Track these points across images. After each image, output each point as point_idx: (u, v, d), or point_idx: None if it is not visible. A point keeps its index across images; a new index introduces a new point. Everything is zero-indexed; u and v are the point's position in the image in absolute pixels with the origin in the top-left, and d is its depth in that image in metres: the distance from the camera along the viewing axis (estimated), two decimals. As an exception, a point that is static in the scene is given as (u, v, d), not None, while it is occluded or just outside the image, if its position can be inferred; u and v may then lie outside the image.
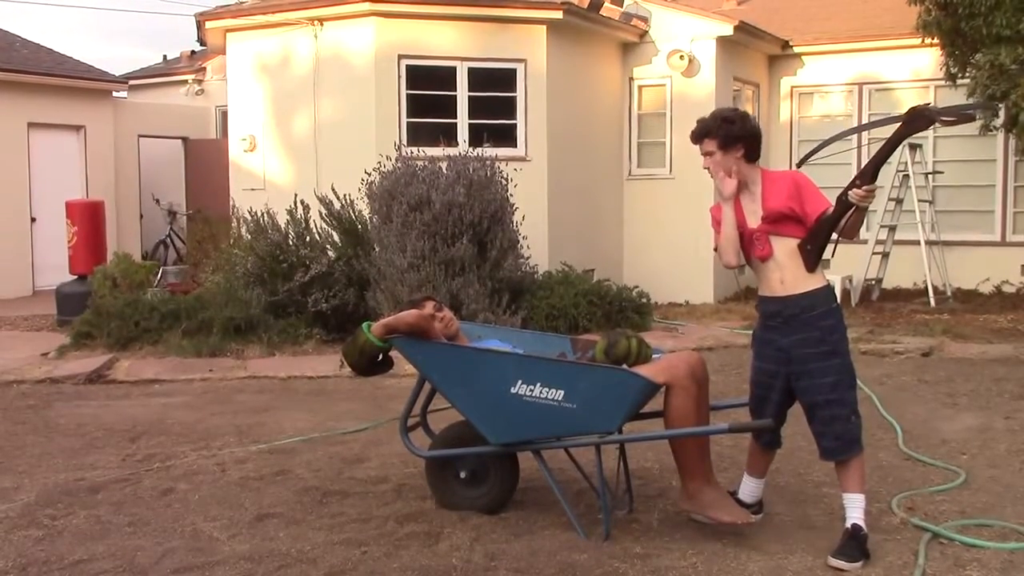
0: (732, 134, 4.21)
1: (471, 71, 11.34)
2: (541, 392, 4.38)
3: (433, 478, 4.84)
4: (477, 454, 4.68)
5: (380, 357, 4.78)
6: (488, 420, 4.56)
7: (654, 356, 4.62)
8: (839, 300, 4.49)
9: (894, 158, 12.46)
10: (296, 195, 10.01)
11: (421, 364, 4.73)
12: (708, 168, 4.32)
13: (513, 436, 4.54)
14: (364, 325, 4.72)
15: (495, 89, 11.47)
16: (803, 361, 4.15)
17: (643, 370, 4.35)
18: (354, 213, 9.98)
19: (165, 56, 22.13)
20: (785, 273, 4.18)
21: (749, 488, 4.55)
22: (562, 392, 4.34)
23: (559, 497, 4.51)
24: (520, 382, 4.41)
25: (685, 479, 4.37)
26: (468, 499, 4.72)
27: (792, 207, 4.12)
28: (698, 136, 4.32)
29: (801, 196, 4.12)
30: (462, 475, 4.71)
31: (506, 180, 9.65)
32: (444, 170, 9.42)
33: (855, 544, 4.03)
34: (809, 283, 4.16)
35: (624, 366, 4.43)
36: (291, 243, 9.79)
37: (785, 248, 4.16)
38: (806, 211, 4.12)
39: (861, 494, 4.15)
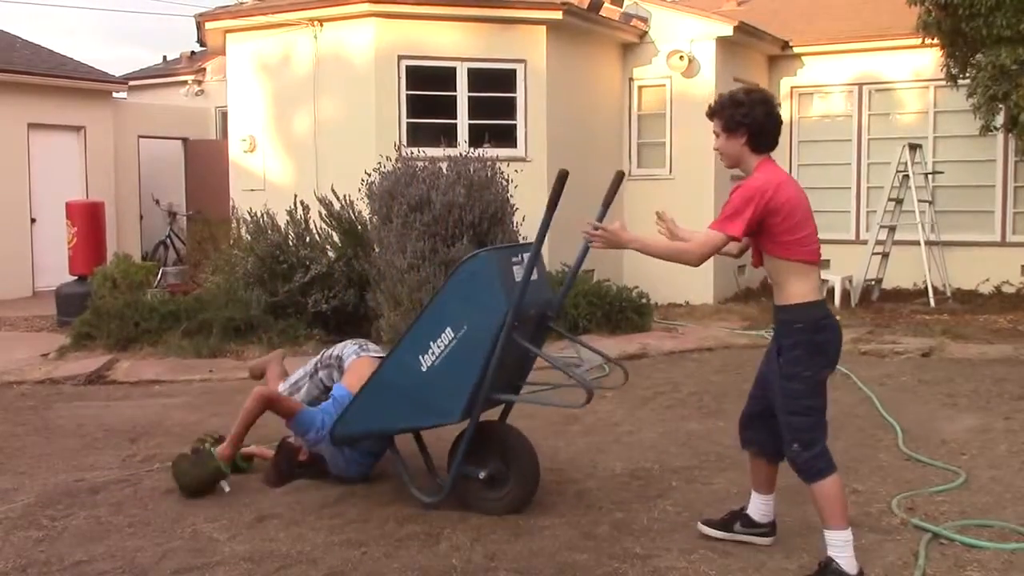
0: (735, 118, 3.93)
1: (471, 71, 11.35)
2: (439, 346, 4.45)
3: (457, 483, 4.78)
4: (473, 444, 4.65)
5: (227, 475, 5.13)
6: (434, 409, 4.59)
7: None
8: (838, 303, 4.40)
9: (894, 158, 12.48)
10: (296, 196, 10.01)
11: (362, 432, 4.85)
12: (717, 150, 4.07)
13: (462, 401, 4.51)
14: (210, 451, 5.12)
15: (495, 89, 11.48)
16: (770, 371, 4.02)
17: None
18: (354, 213, 9.98)
19: (165, 57, 22.19)
20: (772, 282, 4.00)
21: (756, 506, 4.30)
22: (448, 328, 4.42)
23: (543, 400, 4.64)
24: (420, 356, 4.50)
25: None
26: (491, 500, 4.70)
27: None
28: (709, 114, 4.06)
29: None
30: (481, 476, 4.69)
31: (507, 181, 9.65)
32: (444, 170, 9.41)
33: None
34: (787, 297, 3.90)
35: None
36: (291, 244, 9.79)
37: (768, 260, 3.94)
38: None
39: (835, 530, 3.82)
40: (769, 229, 3.83)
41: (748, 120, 3.92)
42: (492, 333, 4.38)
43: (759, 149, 3.97)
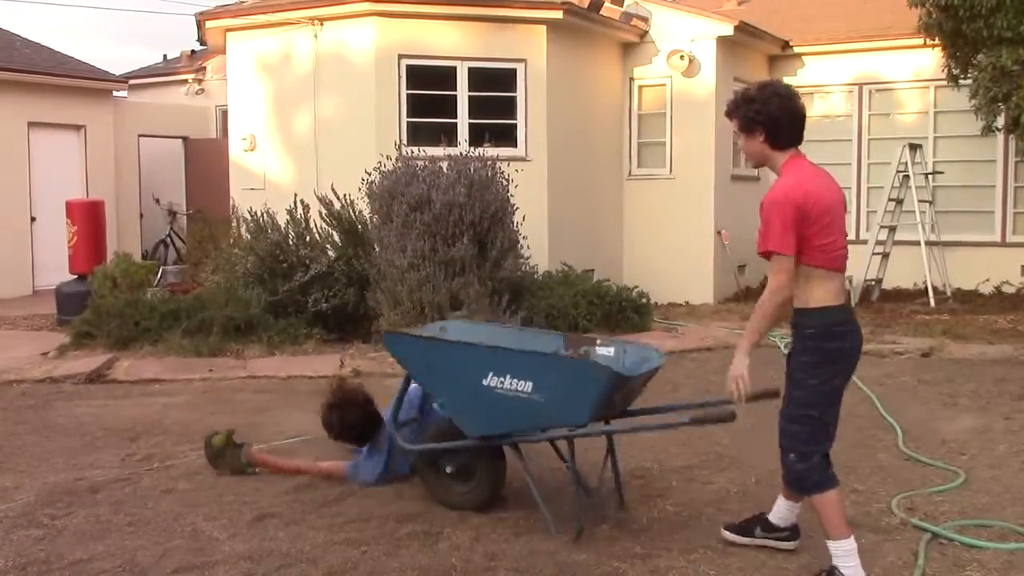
0: (748, 116, 3.77)
1: (471, 71, 11.34)
2: (511, 384, 4.43)
3: (424, 472, 4.90)
4: (460, 448, 4.70)
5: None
6: (463, 412, 4.62)
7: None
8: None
9: (894, 158, 12.48)
10: (296, 195, 10.01)
11: (401, 358, 4.88)
12: (742, 150, 3.95)
13: (487, 429, 4.58)
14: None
15: (495, 89, 11.47)
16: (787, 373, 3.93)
17: None
18: (354, 213, 9.98)
19: (165, 56, 22.14)
20: (793, 286, 3.84)
21: (779, 509, 4.20)
22: (531, 384, 4.38)
23: (535, 496, 4.51)
24: (492, 374, 4.46)
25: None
26: (456, 494, 4.76)
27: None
28: (727, 115, 3.92)
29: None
30: (448, 470, 4.75)
31: (507, 180, 9.65)
32: (445, 170, 9.42)
33: None
34: (803, 301, 3.77)
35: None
36: (291, 243, 9.79)
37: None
38: None
39: (836, 540, 3.74)
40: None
41: (762, 116, 3.75)
42: (554, 422, 4.46)
43: (780, 145, 3.78)
